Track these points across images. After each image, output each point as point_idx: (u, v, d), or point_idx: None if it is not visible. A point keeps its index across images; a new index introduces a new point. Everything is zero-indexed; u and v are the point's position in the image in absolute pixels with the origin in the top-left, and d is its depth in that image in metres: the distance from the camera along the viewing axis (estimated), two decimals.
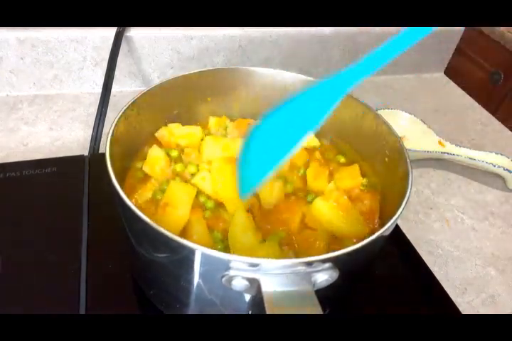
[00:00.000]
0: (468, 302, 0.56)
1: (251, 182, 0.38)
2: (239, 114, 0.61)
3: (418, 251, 0.59)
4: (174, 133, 0.53)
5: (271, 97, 0.59)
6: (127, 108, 0.46)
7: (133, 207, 0.35)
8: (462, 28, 1.02)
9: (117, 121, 0.44)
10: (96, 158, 0.66)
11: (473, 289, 0.58)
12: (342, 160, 0.55)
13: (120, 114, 0.45)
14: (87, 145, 0.70)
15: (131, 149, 0.50)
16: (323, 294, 0.33)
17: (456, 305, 0.53)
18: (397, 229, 0.61)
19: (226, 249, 0.42)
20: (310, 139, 0.56)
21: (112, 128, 0.43)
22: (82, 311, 0.47)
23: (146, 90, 0.48)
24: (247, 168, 0.39)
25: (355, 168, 0.52)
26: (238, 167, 0.40)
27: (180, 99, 0.54)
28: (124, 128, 0.46)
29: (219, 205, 0.47)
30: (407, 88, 1.01)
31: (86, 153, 0.68)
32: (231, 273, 0.32)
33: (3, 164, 0.64)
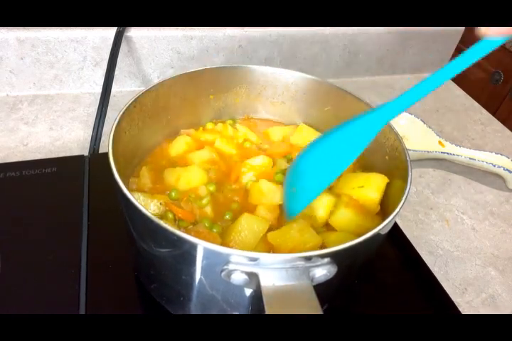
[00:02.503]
0: (468, 302, 0.56)
1: (298, 206, 0.44)
2: (241, 112, 0.61)
3: (418, 251, 0.59)
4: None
5: (273, 95, 0.59)
6: (130, 104, 0.46)
7: (135, 202, 0.35)
8: (462, 28, 1.02)
9: (120, 118, 0.44)
10: (96, 158, 0.66)
11: (473, 289, 0.58)
12: None
13: (123, 110, 0.45)
14: (87, 145, 0.70)
15: (135, 147, 0.50)
16: (322, 289, 0.33)
17: (456, 305, 0.53)
18: (397, 229, 0.61)
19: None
20: None
21: (115, 124, 0.43)
22: (82, 311, 0.47)
23: (150, 87, 0.49)
24: (293, 194, 0.45)
25: None
26: (284, 191, 0.46)
27: (183, 96, 0.55)
28: (127, 124, 0.46)
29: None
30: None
31: (86, 153, 0.68)
32: (230, 267, 0.33)
33: (3, 164, 0.64)
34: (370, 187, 0.48)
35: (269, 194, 0.48)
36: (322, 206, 0.47)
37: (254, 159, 0.53)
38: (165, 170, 0.51)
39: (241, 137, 0.58)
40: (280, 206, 0.48)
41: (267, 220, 0.46)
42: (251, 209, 0.47)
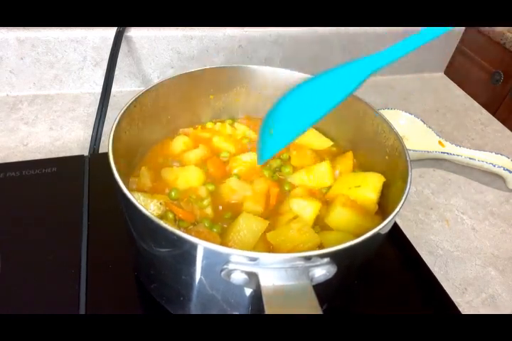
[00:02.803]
0: (468, 302, 0.56)
1: (272, 149, 0.43)
2: (241, 112, 0.61)
3: (418, 251, 0.59)
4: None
5: (273, 95, 0.59)
6: (130, 104, 0.46)
7: (135, 202, 0.35)
8: (462, 28, 1.02)
9: (120, 118, 0.44)
10: (96, 158, 0.66)
11: (473, 289, 0.58)
12: (333, 149, 0.57)
13: (123, 110, 0.45)
14: (87, 145, 0.70)
15: (135, 147, 0.50)
16: (322, 289, 0.33)
17: (456, 305, 0.53)
18: (397, 229, 0.61)
19: None
20: (321, 141, 0.58)
21: (115, 124, 0.43)
22: (82, 311, 0.47)
23: (150, 87, 0.49)
24: (270, 136, 0.43)
25: (349, 155, 0.54)
26: (260, 134, 0.44)
27: (183, 96, 0.55)
28: (127, 124, 0.46)
29: None
30: (407, 88, 1.01)
31: (86, 153, 0.68)
32: (230, 266, 0.33)
33: (3, 164, 0.64)
34: (367, 186, 0.48)
35: (240, 190, 0.49)
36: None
37: (244, 155, 0.53)
38: (162, 169, 0.51)
39: (240, 135, 0.58)
40: (264, 194, 0.49)
41: (260, 210, 0.47)
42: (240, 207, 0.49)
